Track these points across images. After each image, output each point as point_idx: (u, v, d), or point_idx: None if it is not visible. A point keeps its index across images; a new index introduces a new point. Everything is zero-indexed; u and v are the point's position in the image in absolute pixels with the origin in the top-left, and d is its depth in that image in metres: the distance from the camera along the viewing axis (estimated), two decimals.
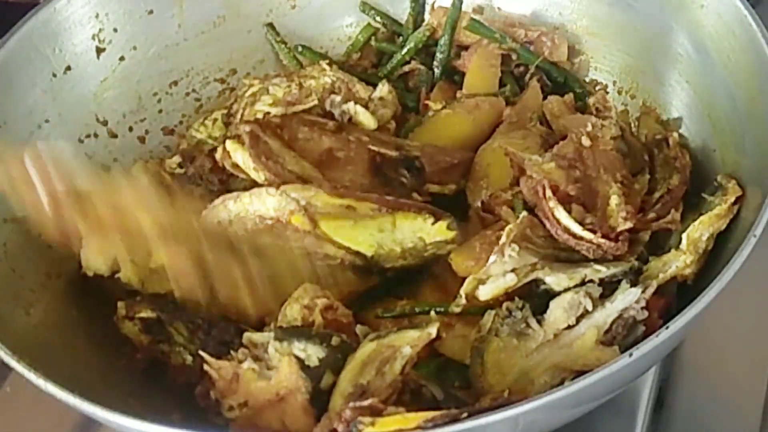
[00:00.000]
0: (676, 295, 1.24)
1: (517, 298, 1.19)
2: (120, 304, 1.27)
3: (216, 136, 1.51)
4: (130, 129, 1.53)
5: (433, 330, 1.14)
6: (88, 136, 1.47)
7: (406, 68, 1.60)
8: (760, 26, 1.29)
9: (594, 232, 1.22)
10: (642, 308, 1.15)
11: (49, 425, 1.39)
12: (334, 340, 1.15)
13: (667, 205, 1.31)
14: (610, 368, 1.01)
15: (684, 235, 1.24)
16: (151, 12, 1.54)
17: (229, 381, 1.14)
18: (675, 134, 1.40)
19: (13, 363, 1.09)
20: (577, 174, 1.28)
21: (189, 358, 1.25)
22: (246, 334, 1.18)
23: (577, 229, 1.22)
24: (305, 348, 1.13)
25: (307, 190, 1.25)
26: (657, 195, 1.33)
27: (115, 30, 1.50)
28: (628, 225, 1.23)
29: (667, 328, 1.04)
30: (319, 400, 1.12)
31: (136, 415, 1.02)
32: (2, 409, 1.43)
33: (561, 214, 1.23)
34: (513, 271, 1.20)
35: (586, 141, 1.32)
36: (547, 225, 1.24)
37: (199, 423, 1.10)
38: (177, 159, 1.46)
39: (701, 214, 1.25)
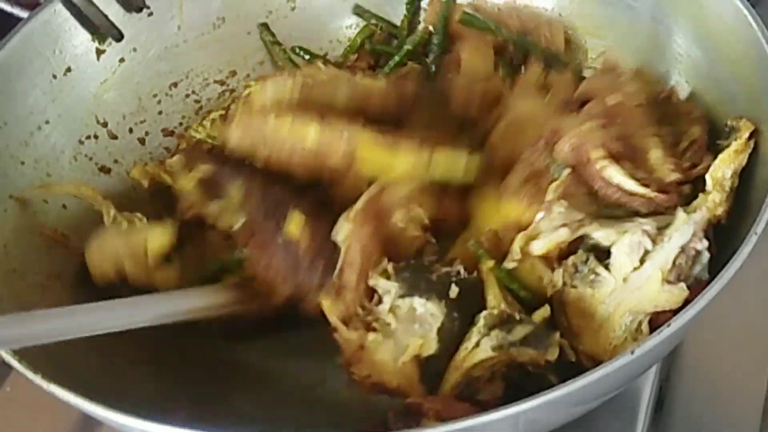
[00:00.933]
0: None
1: (580, 251, 1.21)
2: (177, 158, 1.32)
3: (215, 136, 1.51)
4: (130, 130, 1.53)
5: (553, 355, 1.15)
6: (88, 137, 1.47)
7: (403, 70, 1.60)
8: (760, 25, 1.29)
9: (648, 186, 1.23)
10: (701, 238, 1.16)
11: (49, 425, 1.40)
12: (452, 291, 1.19)
13: (697, 153, 1.32)
14: (611, 366, 1.01)
15: (707, 176, 1.25)
16: (150, 14, 1.54)
17: (355, 351, 1.17)
18: (676, 89, 1.41)
19: (14, 363, 1.09)
20: (614, 132, 1.28)
21: (238, 222, 1.26)
22: (371, 280, 1.21)
23: (632, 185, 1.23)
24: (425, 304, 1.18)
25: (351, 125, 1.26)
26: (683, 146, 1.34)
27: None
28: (677, 176, 1.25)
29: (669, 325, 1.04)
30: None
31: (138, 414, 1.02)
32: (2, 409, 1.44)
33: (613, 172, 1.24)
34: (564, 225, 1.22)
35: (613, 99, 1.32)
36: (597, 186, 1.25)
37: (205, 423, 1.10)
38: (177, 158, 1.46)
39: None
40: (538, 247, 1.22)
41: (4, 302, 1.22)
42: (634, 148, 1.27)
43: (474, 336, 1.19)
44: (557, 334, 1.17)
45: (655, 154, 1.27)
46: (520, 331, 1.17)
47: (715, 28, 1.37)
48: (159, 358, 1.32)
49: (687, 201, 1.27)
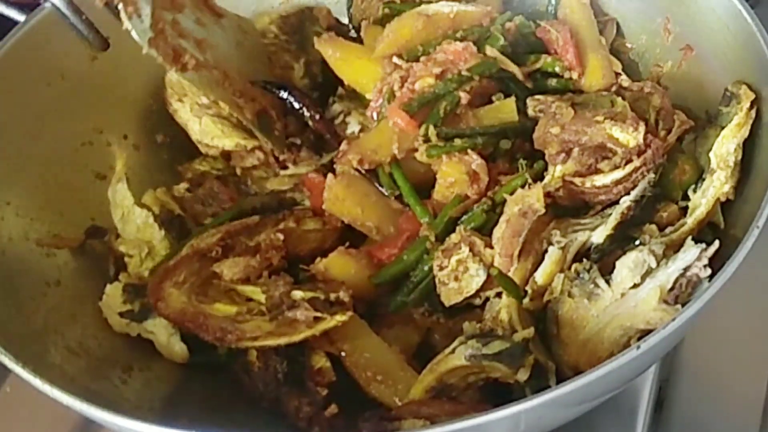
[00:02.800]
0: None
1: (585, 260, 1.24)
2: (183, 185, 1.50)
3: (220, 167, 1.55)
4: (125, 137, 1.55)
5: (523, 376, 1.18)
6: (83, 144, 1.48)
7: None
8: (758, 26, 1.30)
9: (630, 161, 1.28)
10: (704, 266, 1.17)
11: (49, 425, 1.43)
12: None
13: (667, 117, 1.37)
14: (617, 362, 1.03)
15: (711, 155, 1.27)
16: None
17: None
18: (623, 76, 1.47)
19: (17, 369, 1.11)
20: (572, 149, 1.33)
21: None
22: None
23: (619, 174, 1.28)
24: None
25: None
26: (651, 119, 1.38)
27: (108, 37, 1.49)
28: (641, 133, 1.29)
29: (674, 320, 1.06)
30: None
31: (139, 417, 1.05)
32: (2, 409, 1.46)
33: (598, 180, 1.29)
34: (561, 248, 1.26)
35: (555, 130, 1.35)
36: (603, 198, 1.30)
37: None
38: (185, 185, 1.50)
39: (722, 128, 1.29)
40: (539, 275, 1.26)
41: (4, 309, 1.24)
42: (601, 146, 1.32)
43: (454, 342, 1.22)
44: (531, 357, 1.19)
45: (617, 132, 1.30)
46: (496, 346, 1.19)
47: (709, 23, 1.39)
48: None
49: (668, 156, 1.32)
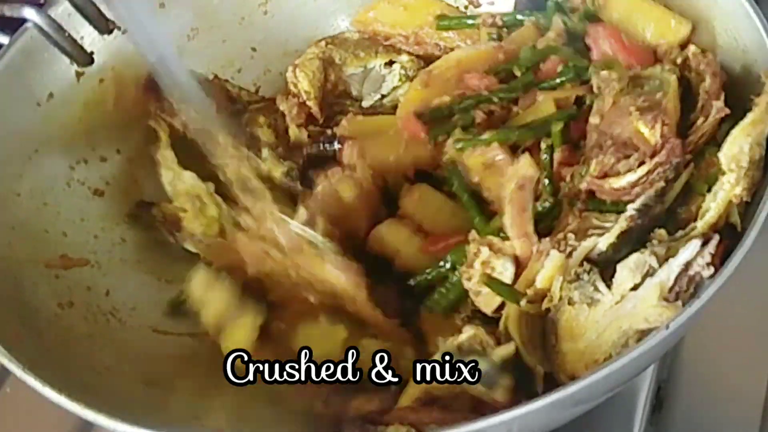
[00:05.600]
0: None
1: (585, 263, 1.25)
2: None
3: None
4: (118, 151, 1.62)
5: (503, 396, 1.23)
6: (78, 162, 1.56)
7: None
8: (763, 22, 1.36)
9: (643, 162, 1.29)
10: (707, 264, 1.18)
11: (49, 426, 1.50)
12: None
13: (707, 104, 1.37)
14: (612, 366, 1.08)
15: (721, 155, 1.26)
16: (124, 32, 1.61)
17: None
18: (692, 46, 1.45)
19: (62, 400, 1.19)
20: (605, 142, 1.35)
21: None
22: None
23: (633, 177, 1.29)
24: None
25: None
26: (700, 104, 1.38)
27: (92, 52, 1.59)
28: (657, 131, 1.29)
29: (667, 327, 1.11)
30: None
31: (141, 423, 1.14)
32: (2, 409, 1.54)
33: (615, 182, 1.30)
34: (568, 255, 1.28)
35: (595, 119, 1.38)
36: (626, 198, 1.31)
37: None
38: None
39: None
40: (540, 278, 1.29)
41: (24, 339, 1.30)
42: (626, 140, 1.33)
43: (438, 356, 1.28)
44: (509, 379, 1.23)
45: (641, 126, 1.31)
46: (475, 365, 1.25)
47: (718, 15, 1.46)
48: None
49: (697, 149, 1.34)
